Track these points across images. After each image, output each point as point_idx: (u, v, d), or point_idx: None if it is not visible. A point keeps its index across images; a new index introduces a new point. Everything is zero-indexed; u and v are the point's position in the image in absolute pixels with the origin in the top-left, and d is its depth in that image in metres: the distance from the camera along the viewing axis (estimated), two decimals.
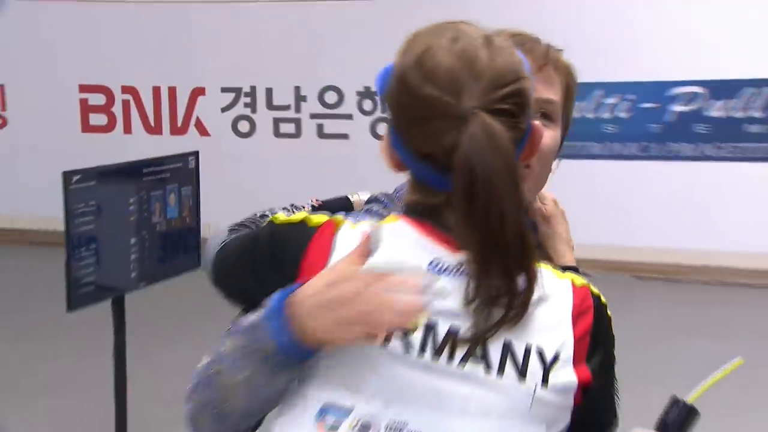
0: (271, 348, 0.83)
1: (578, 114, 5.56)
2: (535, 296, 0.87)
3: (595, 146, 5.85)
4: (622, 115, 5.82)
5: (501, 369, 0.85)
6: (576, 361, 0.89)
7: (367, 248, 0.86)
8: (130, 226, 3.22)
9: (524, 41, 1.10)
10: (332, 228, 0.94)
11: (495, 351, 0.86)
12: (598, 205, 5.68)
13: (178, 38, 6.54)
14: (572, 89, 1.19)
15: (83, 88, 6.66)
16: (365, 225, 0.91)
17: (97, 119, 6.79)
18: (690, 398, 1.10)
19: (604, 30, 5.65)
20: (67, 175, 2.88)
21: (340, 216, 0.95)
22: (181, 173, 3.42)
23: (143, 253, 3.30)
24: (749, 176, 5.56)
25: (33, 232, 6.65)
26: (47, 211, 5.20)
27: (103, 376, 3.40)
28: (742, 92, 5.52)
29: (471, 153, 0.83)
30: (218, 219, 4.89)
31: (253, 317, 0.87)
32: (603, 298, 0.95)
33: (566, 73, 1.17)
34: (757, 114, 5.48)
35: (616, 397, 1.02)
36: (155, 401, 3.81)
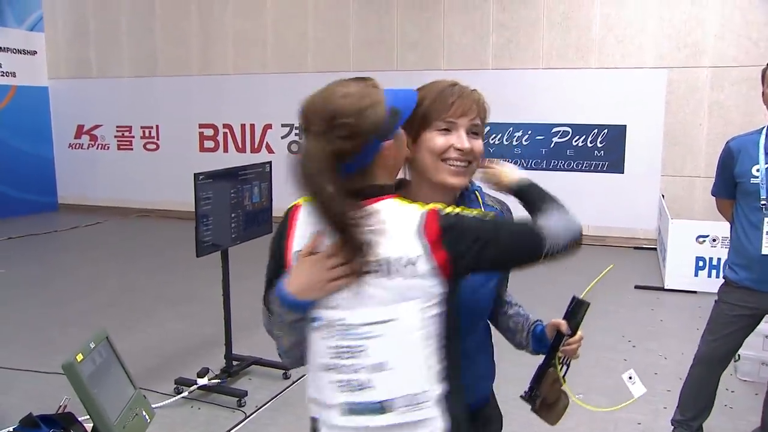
0: (287, 305, 1.34)
1: (498, 141, 8.66)
2: (376, 227, 1.26)
3: (508, 161, 8.71)
4: (524, 143, 8.65)
5: (377, 275, 1.27)
6: (433, 251, 1.28)
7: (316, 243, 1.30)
8: (230, 207, 3.94)
9: (462, 90, 1.50)
10: (294, 211, 1.41)
11: (374, 266, 1.27)
12: (507, 199, 8.57)
13: (257, 95, 9.58)
14: (486, 118, 1.55)
15: (201, 126, 9.95)
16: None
17: (208, 144, 10.06)
18: (582, 295, 1.59)
19: (514, 95, 8.43)
20: (196, 176, 3.67)
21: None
22: (261, 174, 4.22)
23: (238, 223, 4.00)
24: (594, 180, 8.35)
25: (172, 211, 9.76)
26: (179, 197, 8.16)
27: (215, 294, 4.24)
28: (592, 131, 8.37)
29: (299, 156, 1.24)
30: (283, 204, 8.35)
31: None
32: (447, 210, 1.31)
33: (484, 109, 1.54)
34: (599, 145, 8.37)
35: (506, 229, 1.34)
36: (246, 310, 4.23)
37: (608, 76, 8.26)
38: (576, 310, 1.61)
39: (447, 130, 1.51)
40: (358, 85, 1.33)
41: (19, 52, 10.55)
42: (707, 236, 6.24)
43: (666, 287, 6.34)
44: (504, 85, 8.53)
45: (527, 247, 1.35)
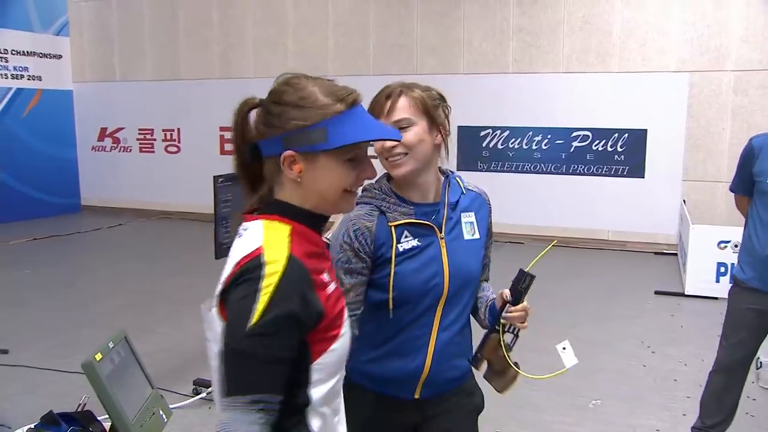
0: None
1: (517, 146, 8.69)
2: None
3: (528, 165, 8.69)
4: (544, 147, 8.63)
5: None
6: (221, 295, 1.19)
7: None
8: None
9: (380, 93, 1.68)
10: None
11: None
12: (528, 199, 8.51)
13: None
14: (427, 106, 1.68)
15: (221, 129, 10.02)
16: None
17: (229, 147, 10.15)
18: (527, 268, 1.66)
19: (534, 99, 8.54)
20: (215, 178, 3.81)
21: None
22: None
23: None
24: (614, 185, 8.34)
25: (192, 213, 9.89)
26: (200, 200, 8.30)
27: None
28: (612, 136, 8.36)
29: None
30: None
31: None
32: (264, 257, 1.14)
33: (420, 100, 1.67)
34: (620, 149, 8.36)
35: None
36: None
37: (629, 80, 8.23)
38: (518, 280, 1.70)
39: None
40: (324, 86, 1.25)
41: (45, 56, 10.74)
42: (729, 242, 6.17)
43: (686, 293, 6.28)
44: (524, 89, 8.57)
45: (223, 379, 1.14)
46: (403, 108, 1.67)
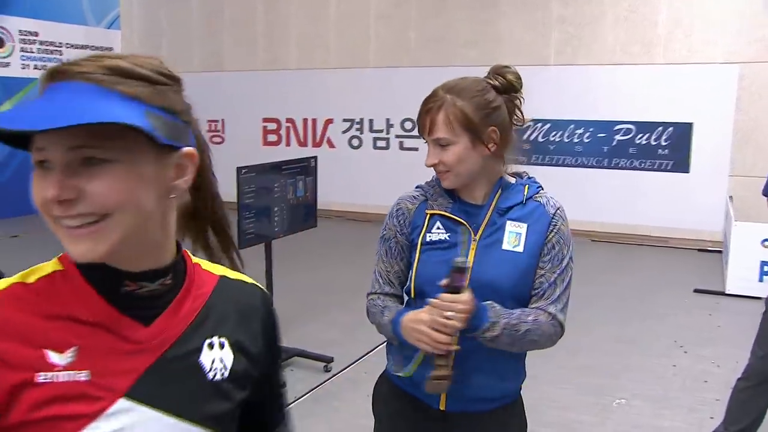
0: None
1: (558, 139, 8.58)
2: None
3: (569, 159, 8.54)
4: (586, 140, 8.46)
5: None
6: None
7: None
8: (274, 200, 4.04)
9: (422, 107, 1.62)
10: None
11: None
12: (568, 193, 8.35)
13: (319, 90, 9.77)
14: (469, 120, 1.56)
15: (264, 120, 10.19)
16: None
17: (271, 138, 10.33)
18: (458, 263, 1.56)
19: (576, 91, 8.36)
20: (239, 169, 3.81)
21: None
22: (306, 169, 4.33)
23: (281, 216, 4.11)
24: (657, 179, 8.13)
25: (230, 203, 9.94)
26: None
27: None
28: (656, 129, 8.13)
29: None
30: (333, 198, 8.85)
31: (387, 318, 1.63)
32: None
33: (447, 119, 1.58)
34: (664, 143, 8.14)
35: None
36: (292, 303, 5.08)
37: (675, 72, 7.99)
38: (454, 273, 1.56)
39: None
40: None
41: (97, 49, 11.06)
42: None
43: (727, 292, 6.11)
44: (565, 81, 8.41)
45: None
46: (441, 126, 1.60)
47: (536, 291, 1.65)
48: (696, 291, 6.21)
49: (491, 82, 1.66)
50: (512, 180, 1.74)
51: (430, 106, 1.63)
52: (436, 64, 8.67)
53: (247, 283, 1.05)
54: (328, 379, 4.19)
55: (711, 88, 7.86)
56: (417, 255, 1.68)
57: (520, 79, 1.68)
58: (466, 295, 1.54)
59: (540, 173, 7.96)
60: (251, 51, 10.43)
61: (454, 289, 1.55)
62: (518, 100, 1.68)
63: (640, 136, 8.23)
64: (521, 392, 1.82)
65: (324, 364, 4.26)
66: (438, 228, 1.68)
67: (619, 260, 7.48)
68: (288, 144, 10.18)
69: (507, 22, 8.81)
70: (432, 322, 1.54)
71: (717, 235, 7.86)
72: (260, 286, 1.06)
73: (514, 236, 1.65)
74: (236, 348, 0.97)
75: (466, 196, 1.70)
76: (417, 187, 1.77)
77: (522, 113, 1.70)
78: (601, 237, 8.33)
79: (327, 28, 9.89)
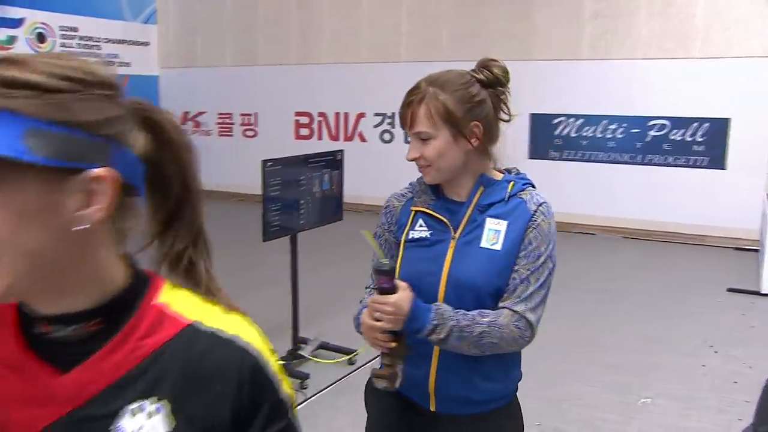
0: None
1: (591, 134, 8.47)
2: None
3: (602, 155, 8.39)
4: (619, 136, 8.32)
5: None
6: None
7: None
8: (299, 192, 4.05)
9: (405, 100, 1.57)
10: None
11: None
12: (600, 189, 8.28)
13: (352, 84, 9.79)
14: (451, 114, 1.52)
15: (297, 114, 10.25)
16: None
17: (303, 131, 10.37)
18: (376, 265, 1.51)
19: (609, 86, 8.24)
20: (264, 162, 3.80)
21: None
22: (332, 162, 4.31)
23: (307, 209, 4.13)
24: (692, 176, 7.97)
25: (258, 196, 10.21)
26: None
27: (284, 278, 4.41)
28: (691, 125, 7.96)
29: None
30: (364, 192, 8.70)
31: None
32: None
33: (427, 112, 1.54)
34: (699, 139, 7.97)
35: None
36: (318, 296, 5.11)
37: (712, 66, 7.81)
38: (375, 272, 1.55)
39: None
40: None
41: (134, 43, 11.27)
42: None
43: (763, 291, 5.98)
44: (599, 76, 8.29)
45: None
46: (422, 119, 1.57)
47: (507, 287, 1.59)
48: (730, 290, 6.09)
49: (476, 75, 1.62)
50: (498, 176, 1.69)
51: (411, 98, 1.59)
52: (467, 59, 8.57)
53: (225, 335, 0.81)
54: (352, 372, 4.22)
55: (749, 83, 7.67)
56: (401, 252, 1.68)
57: (507, 73, 1.63)
58: (394, 297, 1.51)
59: (572, 168, 7.96)
60: (284, 46, 10.49)
61: (384, 291, 1.52)
62: (504, 95, 1.64)
63: (674, 131, 8.07)
64: (517, 394, 1.78)
65: (348, 356, 4.28)
66: (420, 225, 1.67)
67: (651, 257, 7.36)
68: (320, 138, 10.22)
69: (540, 16, 8.71)
70: (364, 323, 1.56)
71: (753, 233, 7.69)
72: (247, 337, 0.83)
73: (493, 234, 1.60)
74: (179, 417, 0.77)
75: (450, 192, 1.69)
76: (409, 184, 1.77)
77: (509, 108, 1.65)
78: (632, 234, 8.23)
79: (359, 23, 9.90)
